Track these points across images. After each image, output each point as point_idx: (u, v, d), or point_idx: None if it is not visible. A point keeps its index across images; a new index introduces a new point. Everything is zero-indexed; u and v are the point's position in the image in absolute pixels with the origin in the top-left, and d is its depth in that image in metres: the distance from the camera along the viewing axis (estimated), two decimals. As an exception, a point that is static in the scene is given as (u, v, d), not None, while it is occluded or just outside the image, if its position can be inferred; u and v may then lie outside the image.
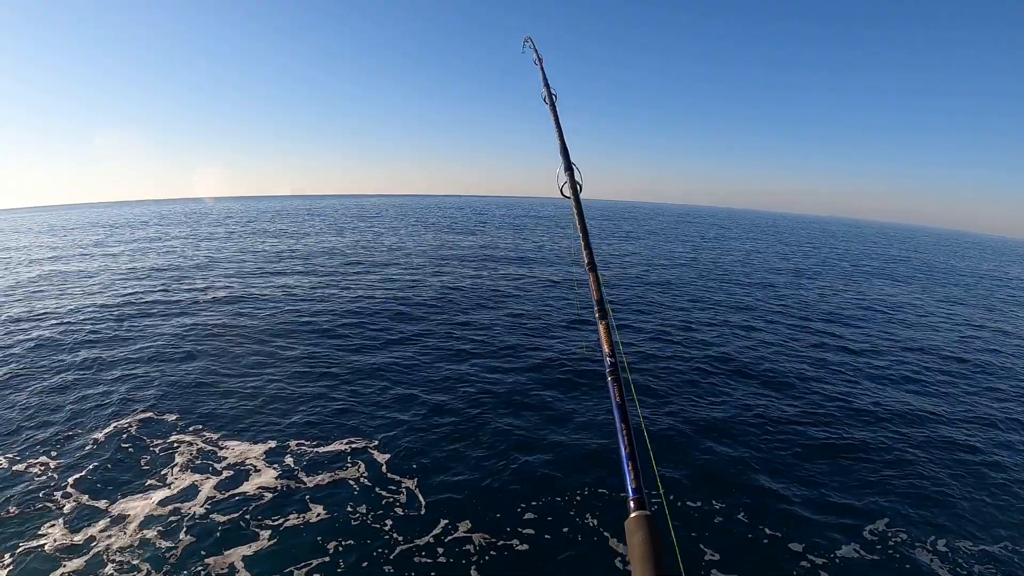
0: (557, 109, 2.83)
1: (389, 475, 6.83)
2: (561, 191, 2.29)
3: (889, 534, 6.27)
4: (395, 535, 5.73)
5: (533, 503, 6.35)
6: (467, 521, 5.97)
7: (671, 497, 6.55)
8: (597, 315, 1.79)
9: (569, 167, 2.38)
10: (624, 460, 1.41)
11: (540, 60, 3.30)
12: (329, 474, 6.79)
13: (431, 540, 5.67)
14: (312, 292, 17.26)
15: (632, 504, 1.31)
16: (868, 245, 54.01)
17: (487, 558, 5.45)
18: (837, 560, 5.74)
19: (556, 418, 8.50)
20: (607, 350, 1.66)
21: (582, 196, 2.25)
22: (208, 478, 6.64)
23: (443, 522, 5.94)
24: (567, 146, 2.53)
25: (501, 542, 5.68)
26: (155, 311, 14.56)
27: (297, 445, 7.46)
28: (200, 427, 7.92)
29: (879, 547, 6.02)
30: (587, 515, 6.14)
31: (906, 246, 59.27)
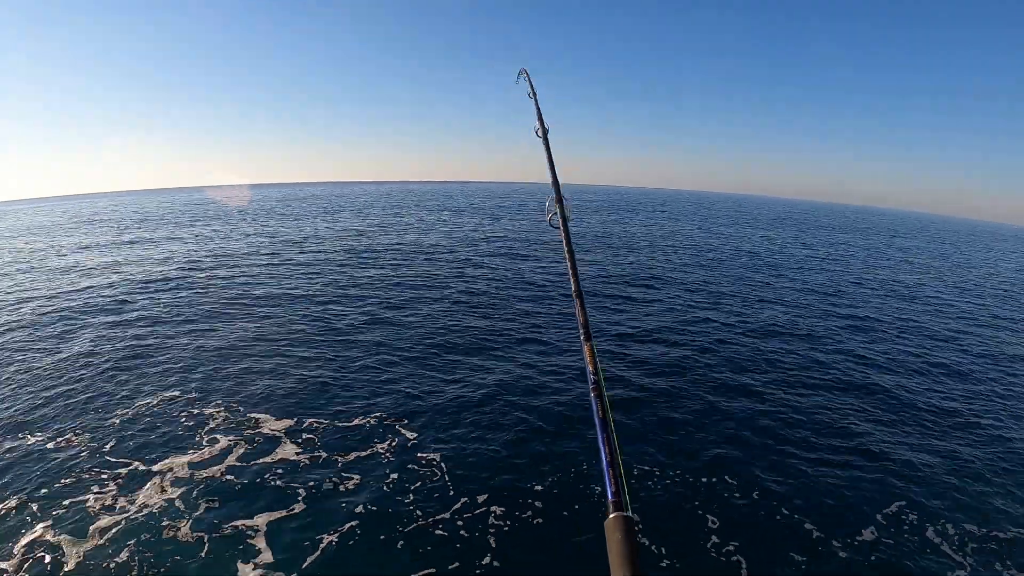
0: (549, 142, 3.05)
1: (415, 451, 7.18)
2: (550, 222, 2.50)
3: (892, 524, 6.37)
4: (418, 507, 6.05)
5: (549, 487, 6.59)
6: (487, 495, 6.28)
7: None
8: (582, 337, 1.99)
9: (560, 199, 2.59)
10: (605, 467, 1.57)
11: (534, 94, 3.50)
12: (358, 448, 7.18)
13: (451, 514, 5.97)
14: (341, 277, 17.79)
15: (611, 506, 1.44)
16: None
17: (504, 537, 5.70)
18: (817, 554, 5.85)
19: (573, 407, 8.78)
20: (591, 369, 1.85)
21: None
22: (240, 449, 7.05)
23: (463, 498, 6.25)
24: (558, 179, 2.74)
25: (518, 524, 5.94)
26: (188, 297, 15.07)
27: (327, 421, 7.85)
28: (233, 404, 8.34)
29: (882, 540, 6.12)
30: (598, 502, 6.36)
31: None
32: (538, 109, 3.28)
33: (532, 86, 3.56)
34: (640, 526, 5.84)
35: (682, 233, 37.18)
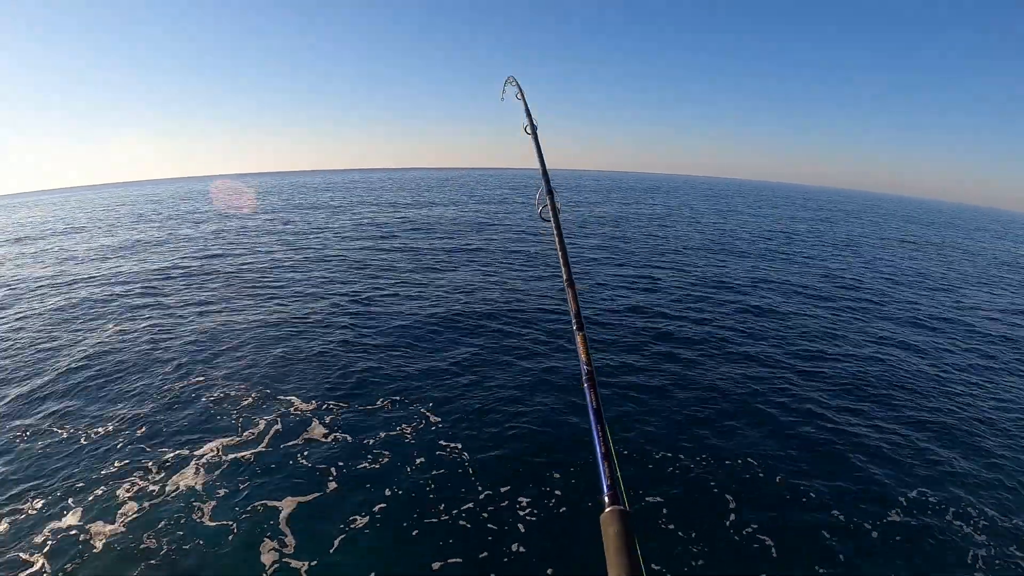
0: (539, 138, 3.02)
1: (439, 436, 7.15)
2: (540, 215, 2.44)
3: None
4: (442, 494, 6.02)
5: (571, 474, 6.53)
6: (509, 486, 6.21)
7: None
8: (575, 327, 1.91)
9: (549, 191, 2.53)
10: (600, 459, 1.49)
11: (523, 95, 3.49)
12: (384, 431, 7.17)
13: (475, 504, 5.91)
14: (362, 262, 17.88)
15: (607, 499, 1.39)
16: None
17: (529, 528, 5.62)
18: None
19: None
20: (584, 358, 1.77)
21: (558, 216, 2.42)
22: (267, 434, 7.06)
23: (487, 488, 6.17)
24: (548, 172, 2.69)
25: (543, 513, 5.87)
26: (213, 283, 15.23)
27: (354, 405, 7.85)
28: (260, 389, 8.33)
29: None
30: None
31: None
32: (527, 107, 3.25)
33: (520, 88, 3.56)
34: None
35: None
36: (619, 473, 1.49)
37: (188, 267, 17.71)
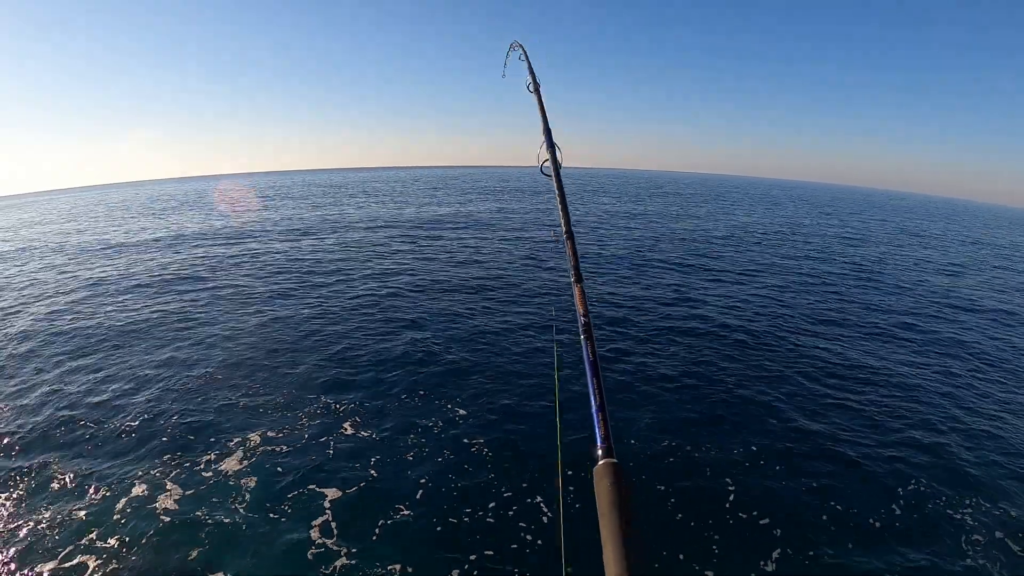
0: (542, 95, 2.91)
1: (463, 429, 7.16)
2: (541, 169, 2.34)
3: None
4: (466, 486, 6.03)
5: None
6: (525, 483, 6.16)
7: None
8: (573, 279, 1.81)
9: (551, 146, 2.43)
10: (594, 412, 1.40)
11: (526, 55, 3.39)
12: (411, 425, 7.19)
13: (496, 501, 5.85)
14: (393, 270, 17.54)
15: (600, 452, 1.32)
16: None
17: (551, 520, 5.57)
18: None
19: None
20: (581, 310, 1.67)
21: (562, 168, 2.32)
22: (299, 429, 7.10)
23: (508, 480, 6.16)
24: (550, 128, 2.58)
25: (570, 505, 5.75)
26: (224, 284, 14.75)
27: (381, 400, 7.89)
28: (287, 385, 8.39)
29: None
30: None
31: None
32: (530, 66, 3.18)
33: (524, 50, 3.48)
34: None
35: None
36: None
37: (213, 267, 17.77)
